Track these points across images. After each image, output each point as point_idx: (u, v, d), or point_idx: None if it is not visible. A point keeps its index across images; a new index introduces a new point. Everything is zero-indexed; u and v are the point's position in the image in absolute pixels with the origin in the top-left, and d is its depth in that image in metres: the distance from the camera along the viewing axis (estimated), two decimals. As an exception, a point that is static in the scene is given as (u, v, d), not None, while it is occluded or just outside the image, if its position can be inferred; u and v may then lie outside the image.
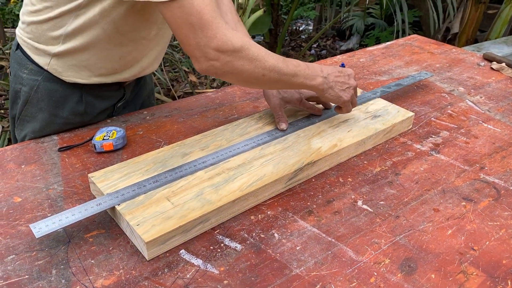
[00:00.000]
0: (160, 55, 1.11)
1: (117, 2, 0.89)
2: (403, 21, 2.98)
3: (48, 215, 0.81)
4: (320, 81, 0.92)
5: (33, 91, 1.02)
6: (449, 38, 3.44)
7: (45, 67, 1.00)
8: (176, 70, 3.48)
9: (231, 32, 0.80)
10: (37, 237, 0.71)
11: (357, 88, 1.22)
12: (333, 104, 1.11)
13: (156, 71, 2.88)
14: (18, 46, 1.04)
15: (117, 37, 0.96)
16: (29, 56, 1.01)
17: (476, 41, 3.59)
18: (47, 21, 0.95)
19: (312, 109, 1.06)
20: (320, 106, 1.10)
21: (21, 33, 1.03)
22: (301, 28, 4.83)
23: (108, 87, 1.08)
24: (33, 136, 1.06)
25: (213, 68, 0.81)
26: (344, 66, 1.04)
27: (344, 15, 4.08)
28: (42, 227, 0.72)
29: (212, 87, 3.20)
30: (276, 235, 0.78)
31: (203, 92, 2.59)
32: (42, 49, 0.99)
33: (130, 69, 1.06)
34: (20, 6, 4.32)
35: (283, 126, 1.01)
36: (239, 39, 0.80)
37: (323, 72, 0.93)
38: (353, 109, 1.06)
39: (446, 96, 1.30)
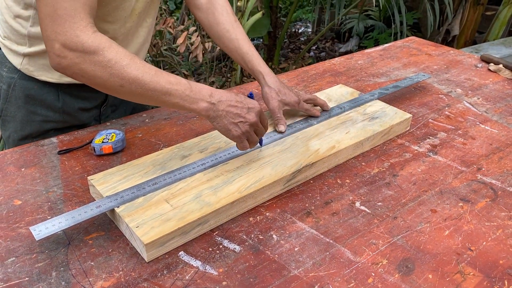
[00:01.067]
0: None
1: None
2: (401, 23, 2.99)
3: (48, 217, 0.81)
4: (204, 106, 0.82)
5: (11, 89, 1.04)
6: (449, 41, 3.45)
7: (18, 67, 1.01)
8: (175, 73, 3.49)
9: (88, 34, 0.75)
10: (37, 239, 0.71)
11: (356, 91, 1.23)
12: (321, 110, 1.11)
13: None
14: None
15: None
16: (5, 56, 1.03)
17: (474, 42, 3.60)
18: (14, 19, 0.97)
19: (310, 111, 1.07)
20: (318, 108, 1.11)
21: None
22: (300, 31, 4.84)
23: (86, 87, 1.05)
24: (16, 136, 1.08)
25: (60, 66, 0.76)
26: (252, 97, 0.91)
27: (343, 17, 4.10)
28: (42, 230, 0.72)
29: (212, 90, 3.20)
30: (274, 236, 0.79)
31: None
32: (14, 50, 1.00)
33: None
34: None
35: (282, 128, 1.01)
36: (95, 41, 0.75)
37: (213, 98, 0.83)
38: (350, 112, 1.07)
39: (444, 97, 1.31)
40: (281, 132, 1.01)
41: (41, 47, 0.97)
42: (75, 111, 1.09)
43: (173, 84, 0.79)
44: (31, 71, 1.01)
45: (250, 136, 0.87)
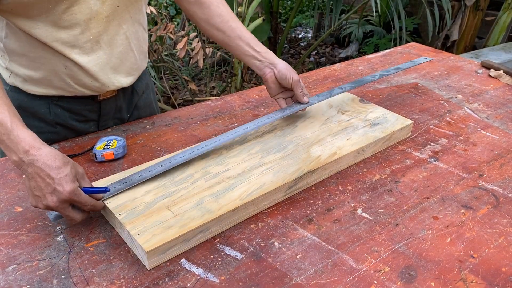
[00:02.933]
0: (120, 69, 1.03)
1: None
2: (401, 29, 3.00)
3: (49, 224, 0.81)
4: (14, 160, 0.74)
5: None
6: (448, 46, 3.46)
7: (7, 81, 1.00)
8: (176, 78, 3.49)
9: None
10: (51, 220, 0.76)
11: (357, 97, 1.23)
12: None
13: (155, 79, 2.89)
14: None
15: (45, 46, 0.92)
16: None
17: (474, 48, 3.61)
18: None
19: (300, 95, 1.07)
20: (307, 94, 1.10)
21: None
22: (300, 36, 4.86)
23: (76, 99, 1.04)
24: None
25: None
26: (86, 191, 0.77)
27: (343, 23, 4.11)
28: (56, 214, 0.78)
29: (212, 95, 3.21)
30: (276, 243, 0.78)
31: (203, 100, 2.60)
32: (0, 63, 1.00)
33: (87, 85, 1.00)
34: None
35: (307, 99, 1.07)
36: None
37: (26, 156, 0.73)
38: (351, 119, 1.06)
39: (445, 103, 1.31)
40: (306, 103, 1.07)
41: (19, 61, 0.95)
42: (67, 123, 1.07)
43: None
44: (18, 84, 1.00)
45: (59, 208, 0.75)
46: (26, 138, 0.75)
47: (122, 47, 1.01)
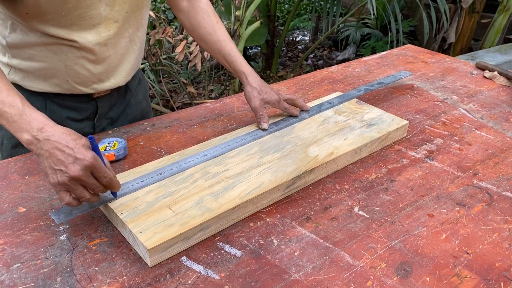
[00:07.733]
0: (121, 69, 1.06)
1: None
2: (398, 31, 3.02)
3: (52, 224, 0.83)
4: (27, 139, 0.75)
5: None
6: (445, 48, 3.49)
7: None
8: (174, 81, 3.51)
9: None
10: (57, 223, 0.78)
11: (354, 98, 1.25)
12: (303, 109, 1.17)
13: (154, 82, 2.91)
14: None
15: (50, 44, 0.94)
16: None
17: (470, 50, 3.64)
18: None
19: (289, 110, 1.11)
20: (298, 108, 1.16)
21: None
22: (297, 39, 4.88)
23: (73, 97, 1.06)
24: (8, 143, 1.09)
25: None
26: (92, 141, 0.76)
27: (340, 26, 4.13)
28: (61, 216, 0.78)
29: (210, 98, 3.23)
30: (275, 241, 0.80)
31: (202, 102, 2.62)
32: (0, 60, 1.01)
33: (86, 84, 1.03)
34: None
35: (265, 125, 1.06)
36: None
37: (41, 133, 0.75)
38: (348, 119, 1.08)
39: (440, 104, 1.33)
40: (264, 130, 1.06)
41: (21, 57, 0.97)
42: (62, 120, 1.08)
43: (5, 105, 0.76)
44: (17, 80, 1.02)
45: (72, 190, 0.75)
46: (39, 117, 0.77)
47: (125, 49, 1.05)
